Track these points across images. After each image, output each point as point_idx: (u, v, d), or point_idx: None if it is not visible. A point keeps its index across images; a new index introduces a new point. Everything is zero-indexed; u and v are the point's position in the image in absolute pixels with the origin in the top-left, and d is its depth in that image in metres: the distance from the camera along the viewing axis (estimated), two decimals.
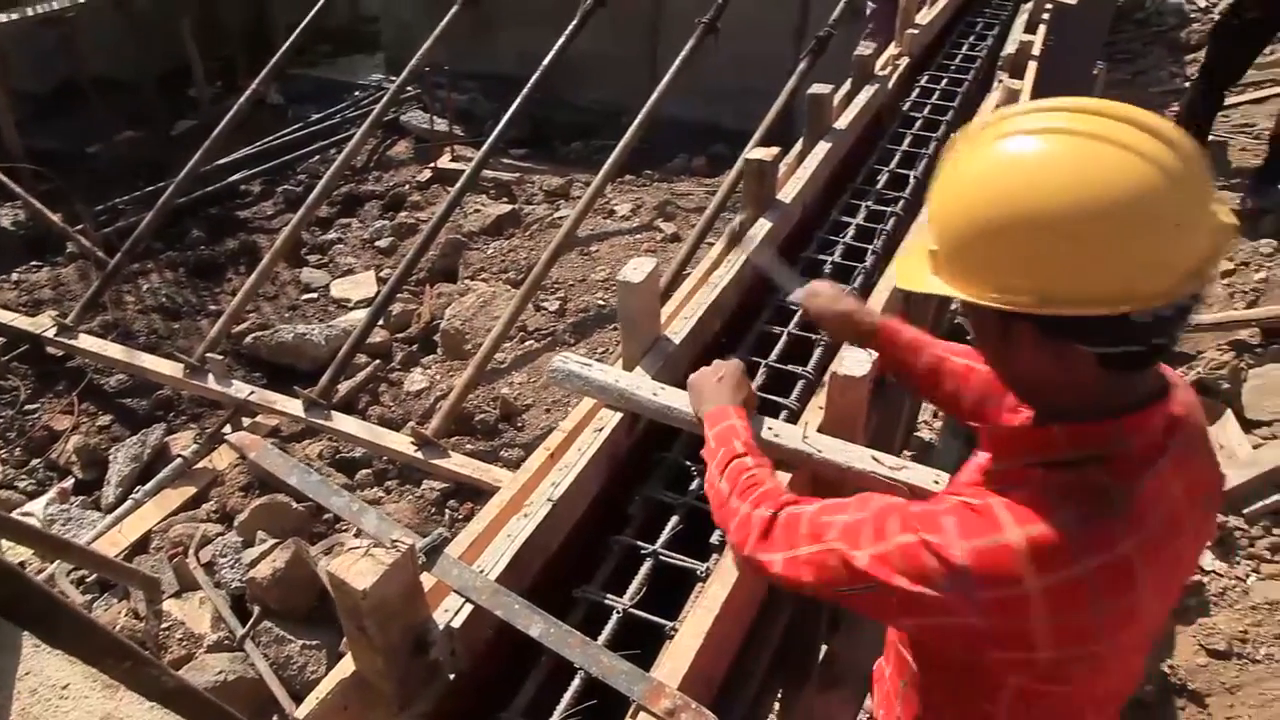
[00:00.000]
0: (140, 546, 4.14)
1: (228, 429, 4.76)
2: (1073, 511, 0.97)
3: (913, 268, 1.09)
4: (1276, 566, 3.42)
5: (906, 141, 3.18)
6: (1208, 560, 3.48)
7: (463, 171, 5.44)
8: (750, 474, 1.35)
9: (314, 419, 4.66)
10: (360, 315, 5.48)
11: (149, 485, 4.44)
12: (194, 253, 6.76)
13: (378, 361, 5.47)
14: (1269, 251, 4.61)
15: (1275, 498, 3.58)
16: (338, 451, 4.69)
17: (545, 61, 5.48)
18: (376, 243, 6.82)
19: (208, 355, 4.99)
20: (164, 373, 5.01)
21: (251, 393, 4.85)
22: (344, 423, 4.66)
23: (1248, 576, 3.41)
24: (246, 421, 4.85)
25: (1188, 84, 7.68)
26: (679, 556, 1.66)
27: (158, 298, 6.28)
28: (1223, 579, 3.42)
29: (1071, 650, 1.00)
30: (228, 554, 3.91)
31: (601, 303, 5.58)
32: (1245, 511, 3.59)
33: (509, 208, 6.73)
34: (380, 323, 5.39)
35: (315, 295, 6.43)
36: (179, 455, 4.59)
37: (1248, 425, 3.95)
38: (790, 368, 2.07)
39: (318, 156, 8.19)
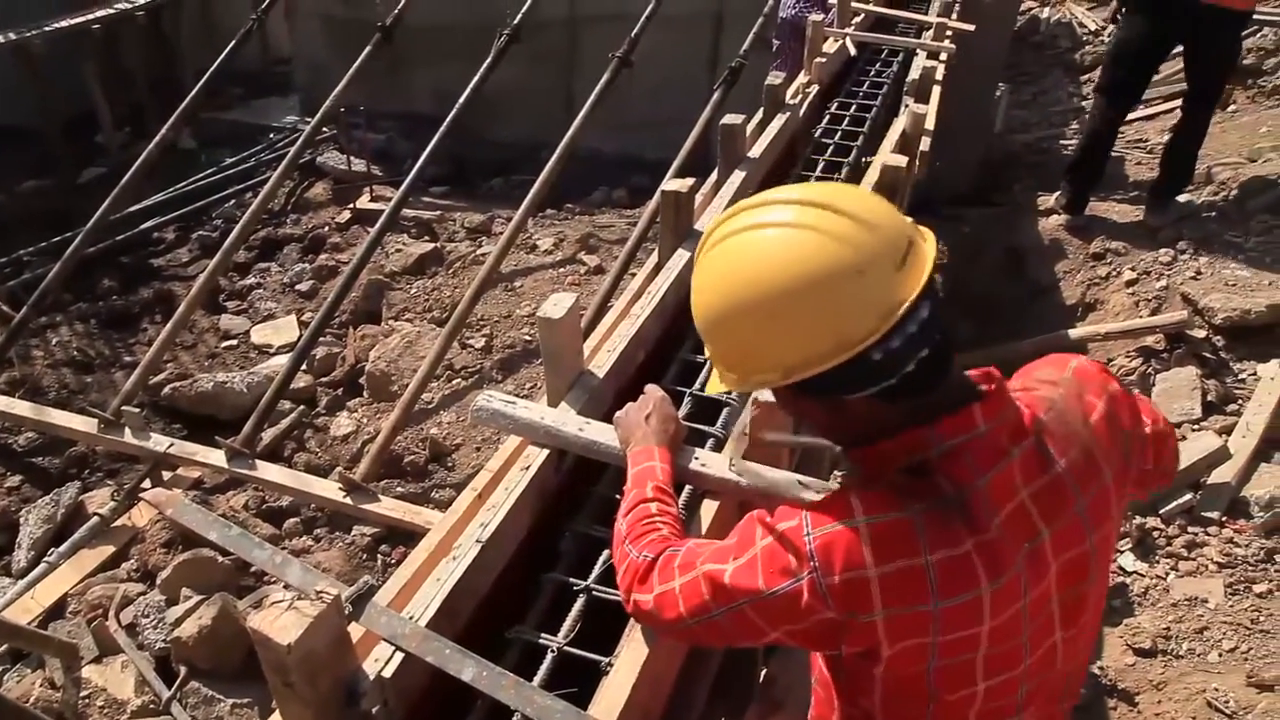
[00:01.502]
0: (56, 612, 3.96)
1: (147, 484, 4.60)
2: (918, 506, 1.05)
3: (713, 375, 1.23)
4: (1193, 563, 3.55)
5: (820, 168, 3.26)
6: (1129, 561, 3.60)
7: (382, 211, 5.39)
8: (649, 520, 1.37)
9: (238, 469, 4.53)
10: (282, 361, 5.37)
11: (63, 547, 4.25)
12: (106, 303, 6.56)
13: (302, 407, 5.36)
14: (1167, 260, 4.82)
15: (1188, 497, 3.72)
16: (264, 501, 4.57)
17: (462, 99, 5.48)
18: (297, 286, 6.70)
19: (123, 409, 4.83)
20: (77, 429, 4.83)
21: (171, 445, 4.70)
22: (269, 471, 4.54)
23: (1167, 575, 3.53)
24: (167, 475, 4.70)
25: (1085, 103, 8.05)
26: (612, 591, 1.65)
27: (68, 351, 6.06)
28: (1144, 579, 3.53)
29: (914, 640, 1.06)
30: (150, 614, 3.76)
31: (528, 338, 5.57)
32: (1161, 512, 3.73)
33: (431, 246, 6.69)
34: (304, 367, 5.28)
35: (235, 342, 6.29)
36: (95, 514, 4.42)
37: None
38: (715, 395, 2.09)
39: (233, 201, 8.04)
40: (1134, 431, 1.26)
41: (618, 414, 1.67)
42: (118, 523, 4.41)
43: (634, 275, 2.69)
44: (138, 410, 4.94)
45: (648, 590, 1.27)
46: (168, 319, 5.54)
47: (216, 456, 4.59)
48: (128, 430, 4.75)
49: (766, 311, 1.04)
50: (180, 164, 8.37)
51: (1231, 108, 6.67)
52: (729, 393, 1.36)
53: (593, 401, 1.89)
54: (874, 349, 1.02)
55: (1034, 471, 1.11)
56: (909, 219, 1.10)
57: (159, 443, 4.71)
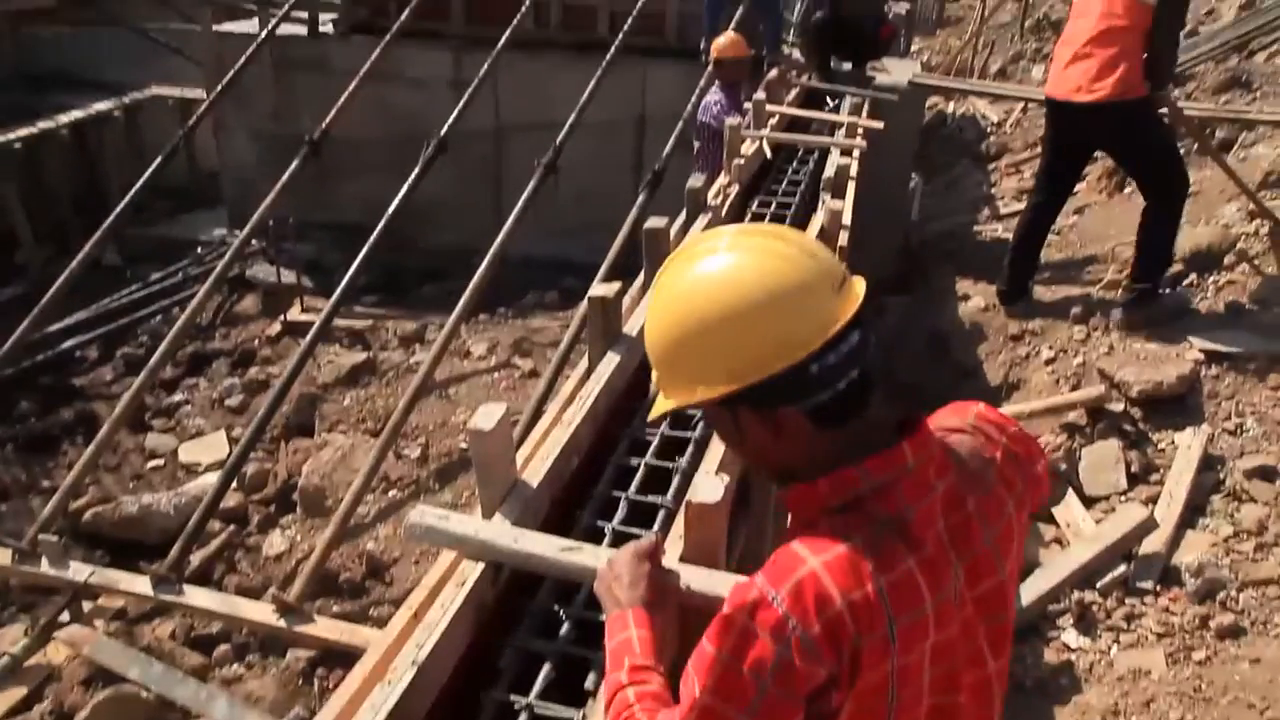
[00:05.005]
0: None
1: (65, 617, 4.38)
2: (859, 538, 1.10)
3: (656, 400, 1.29)
4: (1134, 635, 3.59)
5: None
6: (1072, 638, 3.62)
7: (313, 322, 5.36)
8: (628, 711, 1.29)
9: (164, 596, 4.33)
10: (211, 479, 5.22)
11: None
12: (23, 426, 6.34)
13: (233, 527, 5.20)
14: (1081, 338, 5.01)
15: (1121, 569, 3.79)
16: (192, 629, 4.38)
17: (391, 208, 5.54)
18: (226, 401, 6.57)
19: (40, 537, 4.61)
20: None
21: (92, 573, 4.48)
22: (198, 597, 4.36)
23: (1110, 649, 3.56)
24: (88, 606, 4.49)
25: (994, 190, 8.45)
26: (555, 706, 1.61)
27: None
28: (1088, 654, 3.56)
29: (878, 670, 1.08)
30: None
31: (464, 445, 5.52)
32: (1098, 586, 3.78)
33: (363, 356, 6.65)
34: (234, 485, 5.13)
35: (162, 461, 6.10)
36: (6, 653, 4.17)
37: (1088, 502, 4.20)
38: (650, 498, 2.09)
39: (160, 317, 7.92)
40: (1029, 470, 1.34)
41: (595, 584, 1.54)
42: (30, 662, 4.16)
43: (568, 377, 2.71)
44: (56, 538, 4.71)
45: None
46: (90, 440, 5.36)
47: (141, 584, 4.39)
48: (44, 560, 4.53)
49: (720, 320, 1.14)
50: (105, 281, 8.24)
51: (1128, 189, 7.05)
52: (666, 416, 1.37)
53: (528, 512, 1.88)
54: (812, 360, 1.11)
55: (951, 505, 1.19)
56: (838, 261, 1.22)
57: (79, 571, 4.50)
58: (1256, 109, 6.86)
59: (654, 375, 1.28)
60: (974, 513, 1.22)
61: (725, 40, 5.83)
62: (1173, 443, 4.30)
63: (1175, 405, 4.42)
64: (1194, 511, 3.96)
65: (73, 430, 6.44)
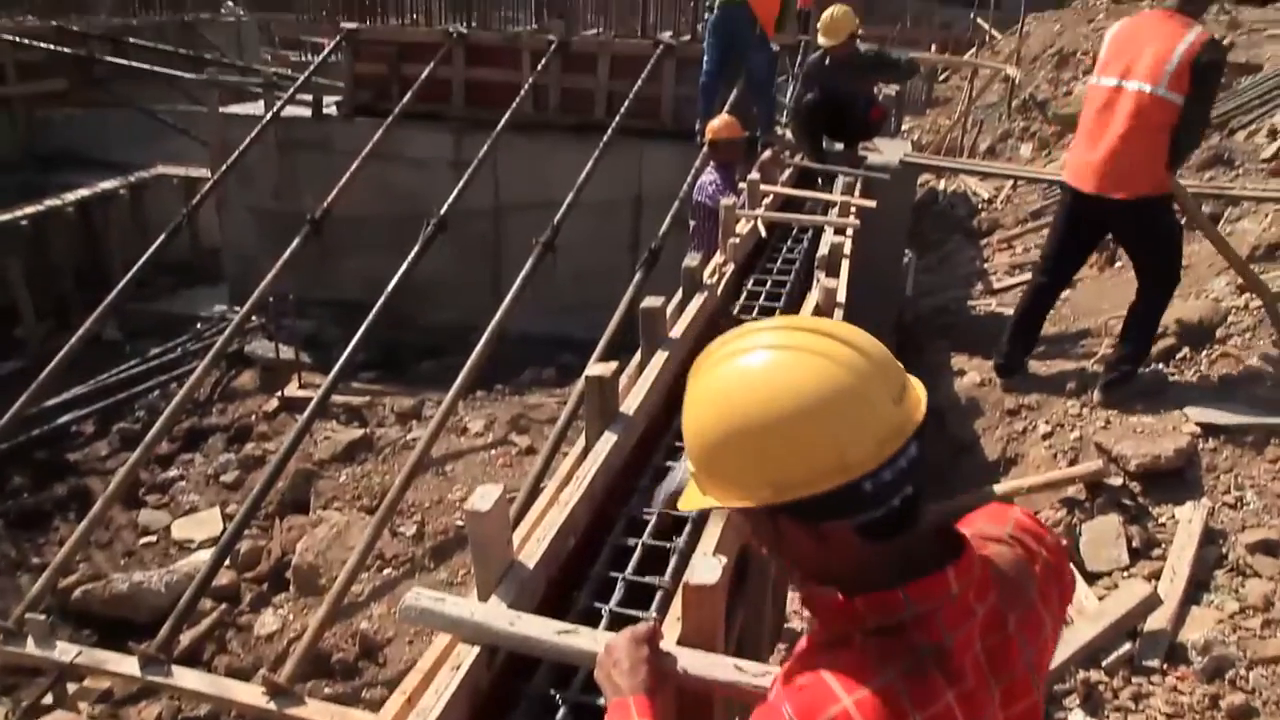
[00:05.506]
0: None
1: (49, 699, 4.28)
2: (895, 670, 1.04)
3: (689, 491, 1.21)
4: (1143, 715, 3.52)
5: None
6: (1079, 719, 3.55)
7: (311, 398, 5.37)
8: None
9: (152, 677, 4.25)
10: (204, 556, 5.17)
11: None
12: (15, 502, 6.30)
13: (225, 605, 5.13)
14: (1077, 412, 5.01)
15: (1126, 647, 3.73)
16: (180, 711, 4.30)
17: (390, 286, 5.60)
18: (221, 477, 6.54)
19: (27, 616, 4.54)
20: None
21: (79, 654, 4.40)
22: (186, 678, 4.27)
23: None
24: (73, 687, 4.40)
25: (987, 265, 8.56)
26: None
27: None
28: None
29: None
30: None
31: (460, 523, 5.47)
32: (1104, 664, 3.71)
33: (360, 432, 6.64)
34: (227, 562, 5.08)
35: (154, 538, 6.05)
36: None
37: (1090, 578, 4.15)
38: (647, 579, 2.08)
39: (158, 392, 7.93)
40: (1063, 580, 1.30)
41: (595, 672, 1.53)
42: None
43: (566, 454, 2.71)
44: (43, 617, 4.64)
45: None
46: (82, 516, 5.33)
47: (129, 664, 4.31)
48: (30, 640, 4.45)
49: (771, 429, 1.05)
50: (104, 356, 8.27)
51: (1119, 263, 7.15)
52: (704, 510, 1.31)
53: (524, 593, 1.86)
54: (867, 478, 1.04)
55: (991, 627, 1.14)
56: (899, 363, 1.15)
57: (65, 651, 4.42)
58: (1239, 185, 7.00)
59: (688, 462, 1.21)
60: (1014, 632, 1.16)
61: (720, 122, 5.97)
62: (1173, 517, 4.28)
63: (1174, 479, 4.41)
64: (1198, 587, 3.92)
65: (65, 506, 6.40)
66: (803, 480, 1.05)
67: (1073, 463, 4.74)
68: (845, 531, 1.08)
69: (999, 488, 4.81)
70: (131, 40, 12.33)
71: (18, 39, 11.13)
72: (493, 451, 6.25)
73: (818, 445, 1.05)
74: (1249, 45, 10.73)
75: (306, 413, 5.19)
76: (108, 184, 10.68)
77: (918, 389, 1.13)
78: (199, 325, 9.29)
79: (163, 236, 6.73)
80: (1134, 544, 4.17)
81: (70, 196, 10.06)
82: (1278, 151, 7.23)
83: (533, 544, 1.99)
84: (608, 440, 2.33)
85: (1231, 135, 8.12)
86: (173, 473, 6.74)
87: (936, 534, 1.16)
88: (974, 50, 20.69)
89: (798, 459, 1.05)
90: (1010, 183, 9.94)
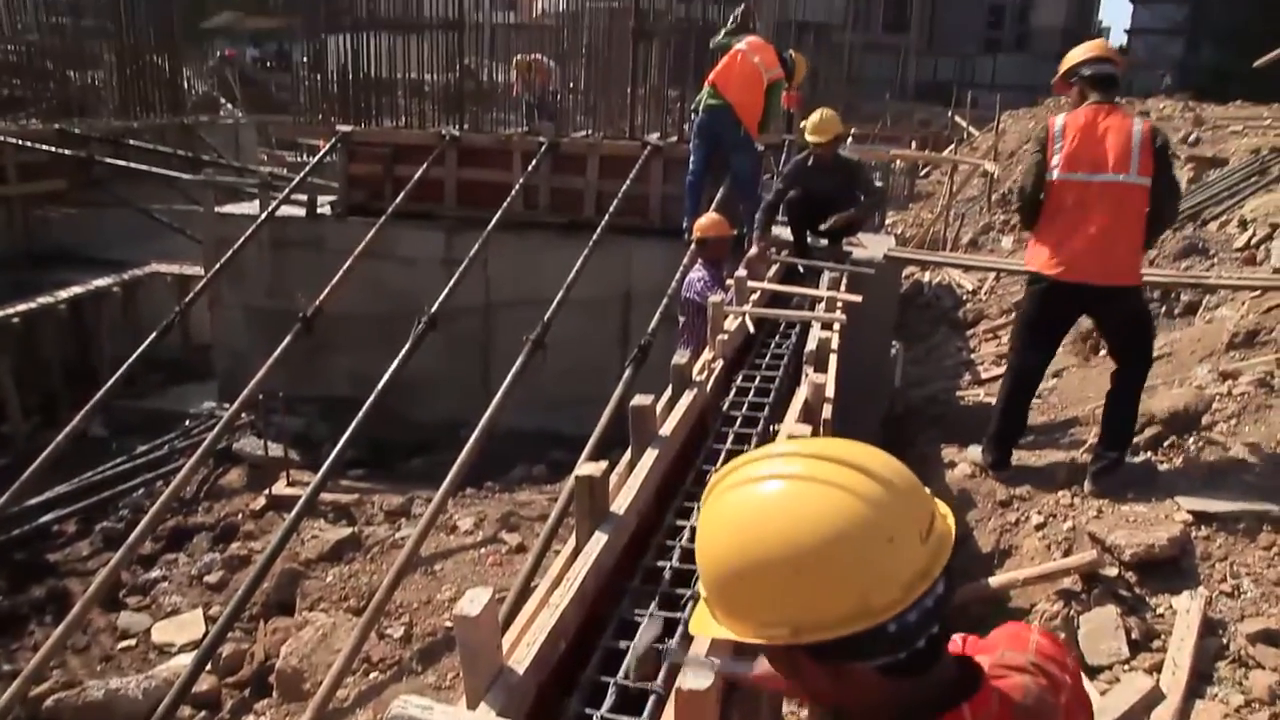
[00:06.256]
0: None
1: None
2: None
3: (701, 615, 1.16)
4: None
5: (730, 440, 3.39)
6: None
7: (299, 497, 5.33)
8: None
9: None
10: (185, 661, 5.04)
11: None
12: None
13: (204, 713, 4.97)
14: (1069, 502, 5.01)
15: None
16: None
17: (381, 383, 5.62)
18: (205, 578, 6.42)
19: None
20: None
21: None
22: None
23: None
24: None
25: (974, 355, 8.65)
26: None
27: None
28: None
29: None
30: None
31: (449, 624, 5.36)
32: None
33: (348, 531, 6.55)
34: (208, 667, 4.95)
35: (134, 642, 5.90)
36: None
37: (1090, 672, 4.08)
38: (640, 684, 2.04)
39: (143, 490, 7.83)
40: (1087, 706, 1.27)
41: None
42: None
43: (557, 553, 2.69)
44: None
45: None
46: (60, 619, 5.22)
47: None
48: None
49: (792, 568, 1.00)
50: (89, 452, 8.19)
51: (1102, 352, 7.24)
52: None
53: (513, 701, 1.83)
54: (891, 620, 0.99)
55: None
56: (926, 488, 1.10)
57: None
58: (1215, 274, 7.16)
59: (703, 592, 1.15)
60: None
61: (707, 220, 6.09)
62: (1171, 607, 4.23)
63: (1170, 568, 4.38)
64: (1200, 680, 3.85)
65: (43, 609, 6.25)
66: (823, 623, 1.01)
67: (1067, 553, 4.71)
68: (867, 672, 1.04)
69: (994, 581, 4.76)
70: (131, 142, 12.61)
71: (20, 141, 11.37)
72: (483, 550, 6.16)
73: (839, 588, 1.00)
74: (1214, 140, 11.12)
75: (294, 511, 5.14)
76: (101, 281, 10.78)
77: (945, 518, 1.09)
78: (187, 422, 9.24)
79: (154, 334, 6.77)
80: (1133, 635, 4.11)
81: (63, 294, 10.13)
82: (1249, 240, 7.43)
83: (522, 649, 1.96)
84: (598, 540, 2.32)
85: (1204, 226, 8.34)
86: (155, 573, 6.61)
87: (956, 664, 1.13)
88: (953, 146, 21.37)
89: (818, 601, 1.00)
90: (993, 274, 10.12)
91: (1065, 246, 4.90)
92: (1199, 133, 11.63)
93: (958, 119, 24.94)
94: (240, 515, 7.19)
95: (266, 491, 7.35)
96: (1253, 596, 4.15)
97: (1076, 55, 4.91)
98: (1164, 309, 7.22)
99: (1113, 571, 4.46)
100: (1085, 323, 7.56)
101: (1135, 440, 5.27)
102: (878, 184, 7.68)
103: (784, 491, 1.04)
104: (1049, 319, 5.23)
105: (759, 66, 7.35)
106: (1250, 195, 8.31)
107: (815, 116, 7.03)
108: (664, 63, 10.23)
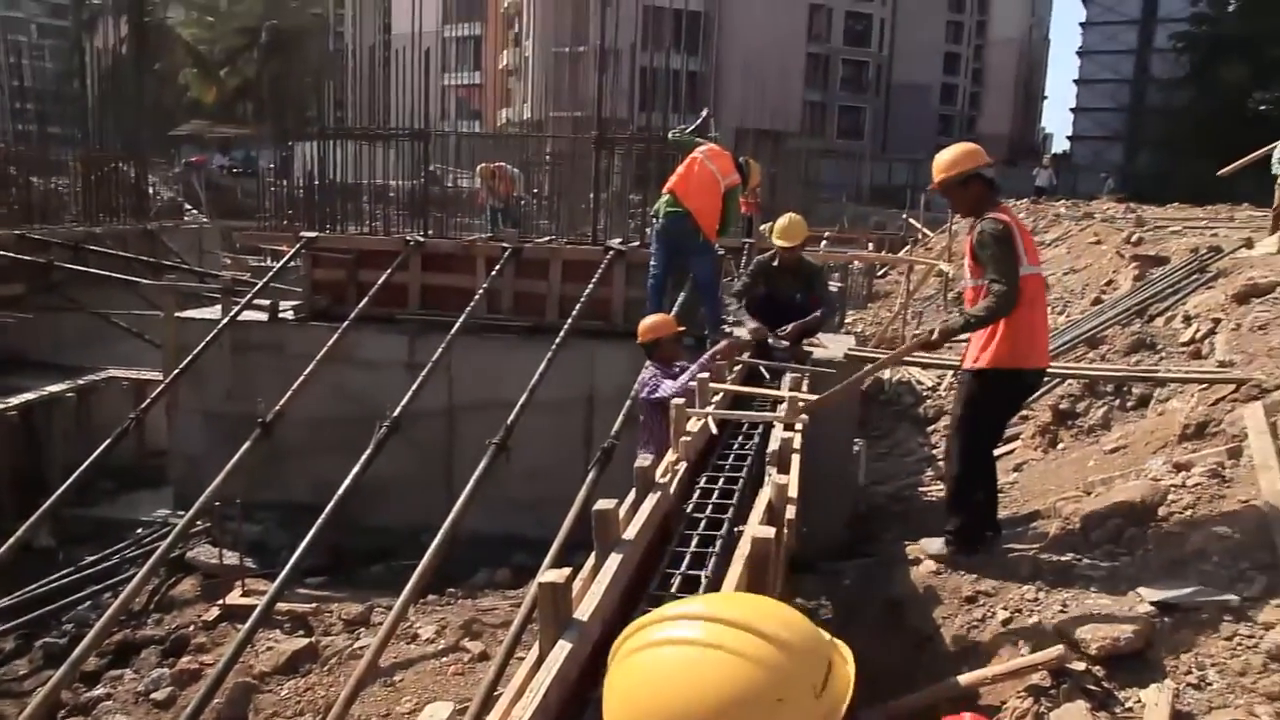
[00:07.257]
0: None
1: None
2: None
3: None
4: None
5: (694, 542, 3.37)
6: None
7: (254, 607, 5.18)
8: None
9: None
10: None
11: None
12: None
13: None
14: (1033, 597, 5.01)
15: None
16: None
17: (342, 489, 5.55)
18: (153, 695, 6.14)
19: None
20: None
21: None
22: None
23: None
24: None
25: (935, 451, 8.74)
26: None
27: None
28: None
29: None
30: None
31: None
32: None
33: (305, 642, 6.32)
34: None
35: None
36: None
37: None
38: None
39: (89, 603, 7.53)
40: None
41: None
42: None
43: (521, 659, 2.63)
44: None
45: None
46: None
47: None
48: None
49: None
50: (34, 564, 7.88)
51: (1061, 445, 7.37)
52: None
53: None
54: None
55: None
56: (826, 635, 1.12)
57: None
58: (1164, 368, 7.37)
59: None
60: None
61: (645, 324, 6.01)
62: (1139, 701, 4.21)
63: (1136, 660, 4.37)
64: None
65: None
66: None
67: (1034, 649, 4.69)
68: None
69: (963, 679, 4.72)
70: (92, 247, 12.59)
71: None
72: (444, 659, 5.99)
73: None
74: (1156, 240, 11.60)
75: (249, 623, 4.99)
76: (55, 387, 10.59)
77: (845, 665, 1.11)
78: (139, 530, 8.97)
79: (108, 440, 6.64)
80: None
81: (14, 400, 9.93)
82: (1194, 335, 7.68)
83: None
84: (562, 649, 2.28)
85: (1150, 321, 8.63)
86: (98, 691, 6.30)
87: None
88: (908, 248, 22.03)
89: None
90: (952, 371, 10.32)
91: (1038, 337, 5.24)
92: (1140, 233, 12.14)
93: (912, 220, 25.76)
94: (192, 627, 6.93)
95: (220, 601, 7.12)
96: (1219, 688, 4.15)
97: (970, 159, 5.18)
98: (1118, 402, 7.39)
99: (1080, 665, 4.44)
100: (1043, 416, 7.77)
101: (1096, 533, 5.38)
102: (834, 288, 7.97)
103: (679, 658, 1.08)
104: (1010, 411, 5.48)
105: (715, 174, 7.59)
106: (1192, 292, 8.64)
107: (784, 220, 7.24)
108: (626, 169, 10.53)
